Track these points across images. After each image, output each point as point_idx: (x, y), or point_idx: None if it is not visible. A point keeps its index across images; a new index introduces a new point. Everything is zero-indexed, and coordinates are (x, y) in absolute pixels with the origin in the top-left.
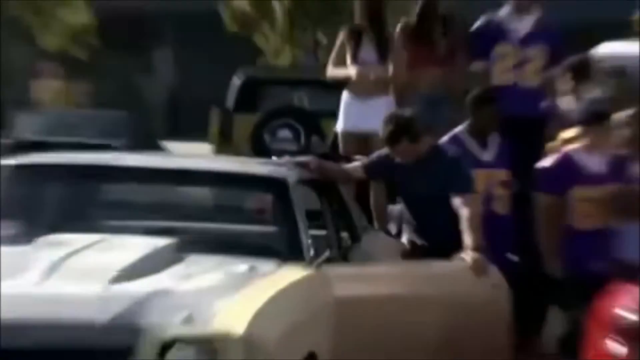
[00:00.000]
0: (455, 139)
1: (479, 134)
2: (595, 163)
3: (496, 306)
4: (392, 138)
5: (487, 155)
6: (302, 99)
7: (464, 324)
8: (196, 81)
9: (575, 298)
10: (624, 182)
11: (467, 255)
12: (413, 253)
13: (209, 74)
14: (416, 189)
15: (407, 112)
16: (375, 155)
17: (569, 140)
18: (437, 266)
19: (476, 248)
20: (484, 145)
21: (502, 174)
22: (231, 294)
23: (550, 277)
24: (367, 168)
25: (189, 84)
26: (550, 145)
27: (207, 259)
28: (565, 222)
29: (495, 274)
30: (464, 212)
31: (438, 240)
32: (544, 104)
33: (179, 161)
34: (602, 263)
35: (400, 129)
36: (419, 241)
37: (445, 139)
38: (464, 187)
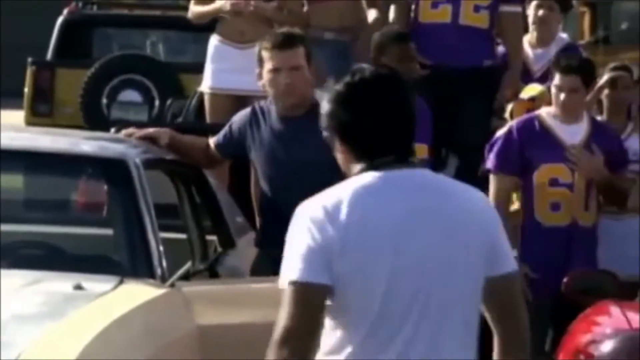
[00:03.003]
0: None
1: None
2: (570, 132)
3: None
4: (285, 41)
5: None
6: (155, 46)
7: None
8: (8, 21)
9: (539, 324)
10: (610, 160)
11: None
12: (266, 265)
13: (28, 11)
14: (290, 160)
15: None
16: (236, 117)
17: (532, 101)
18: None
19: None
20: None
21: (420, 150)
22: (44, 325)
23: None
24: (217, 143)
25: None
26: (506, 107)
27: (10, 274)
28: (527, 217)
29: None
30: None
31: None
32: (496, 50)
33: None
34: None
35: (295, 35)
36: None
37: None
38: None
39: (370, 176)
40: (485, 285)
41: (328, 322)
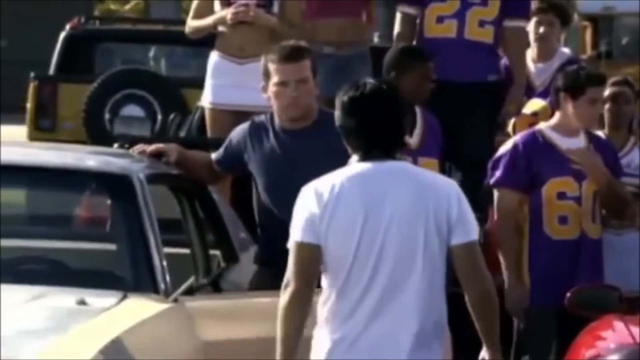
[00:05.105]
0: None
1: None
2: (571, 145)
3: None
4: (291, 54)
5: (412, 138)
6: (157, 61)
7: None
8: (10, 36)
9: (545, 336)
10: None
11: None
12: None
13: (29, 26)
14: (293, 174)
15: None
16: (234, 132)
17: (535, 115)
18: None
19: None
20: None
21: (432, 165)
22: (47, 339)
23: (510, 314)
24: (218, 159)
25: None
26: (508, 122)
27: (14, 290)
28: (534, 231)
29: None
30: None
31: None
32: (499, 65)
33: None
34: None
35: (301, 48)
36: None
37: None
38: None
39: (357, 166)
40: (450, 250)
41: (323, 286)
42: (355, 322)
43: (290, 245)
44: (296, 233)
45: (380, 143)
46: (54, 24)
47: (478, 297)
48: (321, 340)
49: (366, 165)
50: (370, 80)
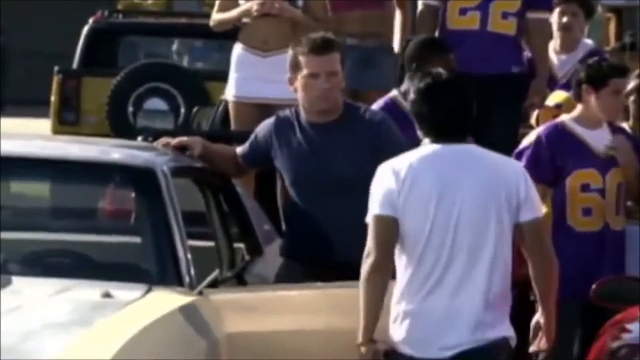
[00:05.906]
0: (389, 108)
1: None
2: (595, 137)
3: None
4: (323, 45)
5: None
6: (180, 54)
7: None
8: (34, 30)
9: (571, 329)
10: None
11: None
12: (293, 272)
13: (52, 20)
14: (321, 168)
15: None
16: (260, 127)
17: (558, 107)
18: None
19: None
20: None
21: None
22: (72, 333)
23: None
24: (243, 153)
25: (22, 34)
26: (531, 114)
27: (39, 283)
28: (558, 223)
29: None
30: None
31: (352, 250)
32: (522, 57)
33: None
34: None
35: (332, 40)
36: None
37: (374, 107)
38: None
39: (430, 147)
40: (517, 227)
41: (398, 259)
42: (436, 297)
43: (370, 219)
44: (375, 207)
45: (451, 128)
46: (77, 18)
47: (542, 266)
48: (399, 315)
49: (438, 147)
50: (441, 70)
